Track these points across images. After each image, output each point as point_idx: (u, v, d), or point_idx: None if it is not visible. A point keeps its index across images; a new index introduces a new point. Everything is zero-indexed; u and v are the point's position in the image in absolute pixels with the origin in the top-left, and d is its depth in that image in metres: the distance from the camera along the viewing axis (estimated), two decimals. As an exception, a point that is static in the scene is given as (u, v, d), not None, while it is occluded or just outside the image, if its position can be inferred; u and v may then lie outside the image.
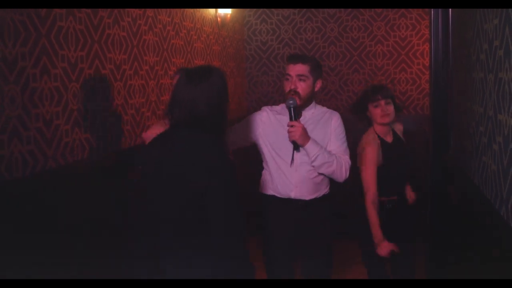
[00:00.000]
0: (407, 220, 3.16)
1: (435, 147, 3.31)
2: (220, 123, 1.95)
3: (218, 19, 5.00)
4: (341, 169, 2.66)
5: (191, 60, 4.33)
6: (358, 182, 2.99)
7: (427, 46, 5.29)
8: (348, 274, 4.14)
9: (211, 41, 4.81)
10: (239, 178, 1.94)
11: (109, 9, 3.05)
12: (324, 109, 2.81)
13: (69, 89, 2.68)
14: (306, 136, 2.59)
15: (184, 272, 1.92)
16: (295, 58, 2.70)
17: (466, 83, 2.79)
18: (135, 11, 3.38)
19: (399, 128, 3.22)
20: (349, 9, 5.62)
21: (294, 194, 2.69)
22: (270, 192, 2.74)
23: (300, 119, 2.67)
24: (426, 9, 5.21)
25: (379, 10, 5.59)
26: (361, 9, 5.60)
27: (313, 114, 2.74)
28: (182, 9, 4.13)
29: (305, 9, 5.71)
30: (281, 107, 2.79)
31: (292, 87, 2.64)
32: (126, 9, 3.26)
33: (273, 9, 5.78)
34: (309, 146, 2.59)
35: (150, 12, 3.58)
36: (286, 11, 5.76)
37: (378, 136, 3.01)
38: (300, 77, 2.65)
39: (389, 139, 3.07)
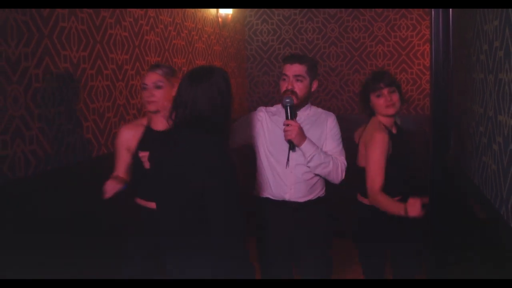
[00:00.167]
0: (411, 223, 2.82)
1: (435, 147, 3.31)
2: (222, 123, 1.94)
3: (219, 19, 5.01)
4: (337, 170, 2.63)
5: (193, 60, 4.35)
6: (355, 182, 2.92)
7: (428, 47, 5.30)
8: (348, 274, 4.14)
9: (212, 42, 4.82)
10: (239, 178, 1.94)
11: (111, 10, 3.06)
12: (319, 110, 2.79)
13: (71, 89, 2.69)
14: (302, 136, 2.56)
15: (184, 272, 1.92)
16: (292, 58, 2.66)
17: (466, 84, 2.80)
18: (137, 12, 3.39)
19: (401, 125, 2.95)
20: (350, 10, 5.63)
21: (288, 196, 2.66)
22: (264, 194, 2.71)
23: (296, 119, 2.65)
24: (427, 10, 5.22)
25: (379, 11, 5.60)
26: (362, 10, 5.61)
27: (308, 115, 2.72)
28: (183, 10, 4.15)
29: (306, 10, 5.72)
30: (276, 108, 2.76)
31: (289, 87, 2.62)
32: (128, 10, 3.27)
33: (274, 10, 5.79)
34: (305, 146, 2.56)
35: (151, 12, 3.59)
36: (287, 12, 5.77)
37: (386, 127, 2.73)
38: (297, 77, 2.62)
39: (394, 130, 2.81)
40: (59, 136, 2.60)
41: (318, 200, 2.73)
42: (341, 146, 2.73)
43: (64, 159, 2.62)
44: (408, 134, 3.05)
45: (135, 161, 2.45)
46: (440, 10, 3.28)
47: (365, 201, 2.80)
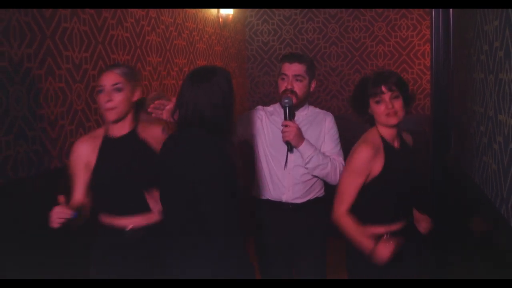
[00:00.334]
0: (416, 252, 2.44)
1: (435, 147, 3.33)
2: (224, 123, 1.93)
3: (220, 19, 5.02)
4: (335, 171, 2.61)
5: (194, 60, 4.36)
6: None
7: (428, 47, 5.31)
8: (347, 274, 4.14)
9: (213, 42, 4.83)
10: (240, 178, 1.94)
11: (112, 10, 3.07)
12: (317, 110, 2.76)
13: (74, 90, 2.71)
14: (300, 137, 2.53)
15: (184, 272, 1.92)
16: (291, 57, 2.60)
17: (466, 84, 2.81)
18: (138, 12, 3.40)
19: (407, 137, 2.42)
20: (351, 10, 5.64)
21: (286, 197, 2.64)
22: (263, 195, 2.71)
23: (294, 119, 2.63)
24: (427, 10, 5.23)
25: (380, 11, 5.61)
26: (362, 10, 5.62)
27: (306, 115, 2.70)
28: (184, 10, 4.16)
29: (306, 10, 5.73)
30: (273, 108, 2.73)
31: (289, 86, 2.58)
32: (130, 10, 3.28)
33: (274, 10, 5.80)
34: (304, 147, 2.53)
35: (153, 13, 3.60)
36: (287, 12, 5.78)
37: (383, 138, 2.26)
38: (297, 77, 2.58)
39: (396, 144, 2.30)
40: (62, 137, 2.61)
41: (316, 200, 2.72)
42: (339, 146, 2.71)
43: (66, 159, 2.63)
44: (414, 151, 2.44)
45: (98, 174, 2.11)
46: (441, 10, 3.29)
47: None
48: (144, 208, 2.10)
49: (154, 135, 2.20)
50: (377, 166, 2.21)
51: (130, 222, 2.11)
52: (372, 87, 2.23)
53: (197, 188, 1.84)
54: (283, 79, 2.58)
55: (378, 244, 2.10)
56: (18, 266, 2.20)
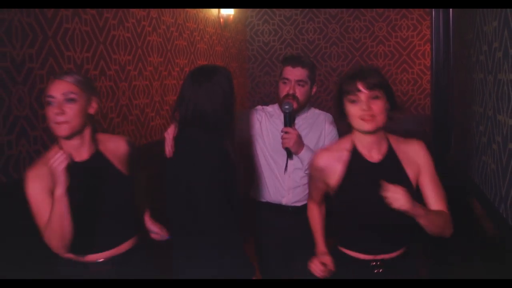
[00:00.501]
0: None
1: (435, 147, 3.33)
2: (224, 122, 1.92)
3: (221, 20, 5.03)
4: None
5: (195, 60, 4.37)
6: None
7: (428, 47, 5.32)
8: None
9: (214, 42, 4.84)
10: (241, 178, 1.94)
11: (114, 11, 3.08)
12: (317, 111, 2.73)
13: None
14: (300, 144, 2.50)
15: (184, 272, 1.93)
16: (293, 61, 2.54)
17: (466, 84, 2.82)
18: (139, 13, 3.41)
19: (406, 148, 1.87)
20: (351, 10, 5.65)
21: (285, 200, 2.63)
22: (262, 198, 2.70)
23: (294, 124, 2.60)
24: (427, 10, 5.24)
25: (380, 11, 5.62)
26: (363, 10, 5.63)
27: (306, 118, 2.68)
28: (185, 11, 4.17)
29: (307, 10, 5.74)
30: (273, 109, 2.70)
31: (291, 91, 2.55)
32: (131, 11, 3.29)
33: (275, 10, 5.81)
34: (303, 154, 2.50)
35: (154, 13, 3.61)
36: (288, 12, 5.79)
37: (354, 148, 1.87)
38: (299, 82, 2.53)
39: (375, 156, 1.84)
40: (63, 136, 2.62)
41: None
42: None
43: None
44: (413, 166, 1.86)
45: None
46: (441, 10, 3.31)
47: None
48: (117, 241, 1.91)
49: (117, 151, 1.95)
50: (334, 179, 1.87)
51: (99, 258, 1.90)
52: (346, 83, 1.79)
53: (197, 188, 1.84)
54: (284, 83, 2.54)
55: (313, 259, 1.95)
56: (18, 266, 2.20)
